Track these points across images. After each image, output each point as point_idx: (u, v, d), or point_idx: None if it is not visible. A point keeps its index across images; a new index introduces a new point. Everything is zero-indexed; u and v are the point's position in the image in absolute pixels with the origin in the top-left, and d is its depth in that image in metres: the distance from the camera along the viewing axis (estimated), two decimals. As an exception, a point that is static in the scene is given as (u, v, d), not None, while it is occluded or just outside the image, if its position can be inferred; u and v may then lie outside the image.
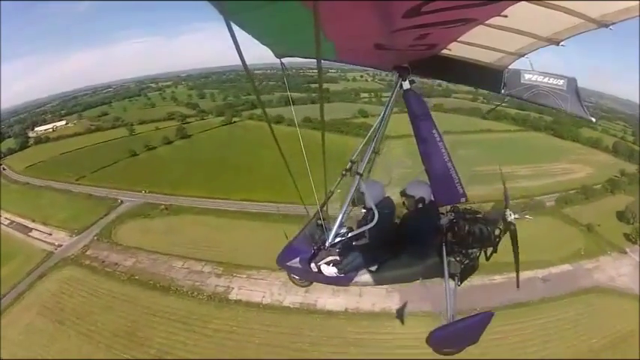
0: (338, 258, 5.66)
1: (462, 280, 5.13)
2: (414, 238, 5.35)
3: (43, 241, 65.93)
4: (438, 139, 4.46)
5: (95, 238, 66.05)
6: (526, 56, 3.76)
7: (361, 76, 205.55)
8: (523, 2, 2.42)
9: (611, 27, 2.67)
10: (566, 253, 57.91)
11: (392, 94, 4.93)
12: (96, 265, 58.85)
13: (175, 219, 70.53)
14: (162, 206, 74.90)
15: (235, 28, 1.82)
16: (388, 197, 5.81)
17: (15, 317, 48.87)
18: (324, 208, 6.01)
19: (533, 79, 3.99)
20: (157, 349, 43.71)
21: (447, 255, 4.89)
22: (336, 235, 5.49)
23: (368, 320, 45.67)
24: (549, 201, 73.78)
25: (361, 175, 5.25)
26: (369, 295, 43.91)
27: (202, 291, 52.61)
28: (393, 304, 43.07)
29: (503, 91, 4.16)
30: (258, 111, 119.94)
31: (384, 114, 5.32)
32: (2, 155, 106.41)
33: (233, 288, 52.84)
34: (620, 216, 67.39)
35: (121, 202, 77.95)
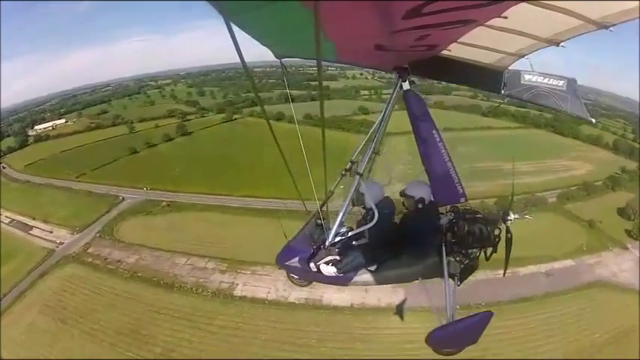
0: (337, 257, 5.65)
1: (461, 280, 5.16)
2: (414, 238, 5.34)
3: (44, 239, 65.64)
4: (437, 139, 4.46)
5: (97, 235, 65.84)
6: (526, 57, 3.75)
7: (361, 74, 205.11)
8: (523, 3, 2.41)
9: (611, 29, 2.66)
10: (569, 248, 58.21)
11: (392, 95, 4.95)
12: (98, 262, 58.61)
13: (178, 216, 70.46)
14: (164, 203, 74.80)
15: (235, 28, 1.83)
16: (388, 197, 5.81)
17: (16, 317, 48.60)
18: (324, 208, 6.03)
19: (533, 79, 4.02)
20: (161, 346, 43.50)
21: (446, 255, 4.91)
22: (335, 235, 5.51)
23: (374, 315, 45.70)
24: (551, 197, 74.15)
25: (361, 174, 5.27)
26: (375, 290, 43.88)
27: (206, 287, 52.45)
28: (399, 300, 43.12)
29: (503, 91, 4.19)
30: (259, 108, 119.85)
31: (384, 114, 5.32)
32: (2, 154, 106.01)
33: (238, 284, 52.69)
34: (621, 212, 67.86)
35: (123, 199, 77.76)
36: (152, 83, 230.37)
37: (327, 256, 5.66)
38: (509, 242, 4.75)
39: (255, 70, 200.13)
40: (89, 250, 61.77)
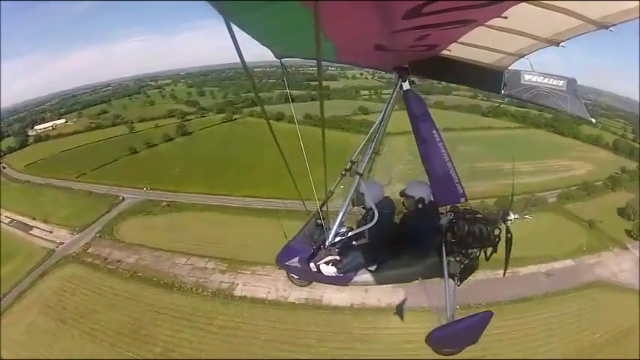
0: (337, 258, 5.66)
1: (461, 280, 5.16)
2: (414, 238, 5.35)
3: (44, 239, 65.55)
4: (437, 139, 4.45)
5: (97, 235, 65.79)
6: (526, 57, 3.76)
7: (361, 74, 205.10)
8: (523, 3, 2.41)
9: (611, 29, 2.67)
10: (569, 248, 58.21)
11: (392, 95, 4.95)
12: (98, 262, 58.53)
13: (178, 216, 70.42)
14: (164, 203, 74.79)
15: (235, 28, 1.83)
16: (388, 197, 5.81)
17: (16, 317, 48.49)
18: (324, 208, 6.04)
19: (533, 79, 4.02)
20: (162, 347, 43.43)
21: (446, 255, 4.91)
22: (335, 235, 5.51)
23: (374, 315, 45.65)
24: (551, 197, 74.17)
25: (361, 174, 5.27)
26: (375, 290, 43.83)
27: (206, 287, 52.37)
28: (399, 300, 43.11)
29: (503, 91, 4.19)
30: (259, 108, 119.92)
31: (383, 114, 5.32)
32: (2, 154, 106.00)
33: (238, 284, 52.61)
34: (621, 212, 67.85)
35: (123, 199, 77.74)
36: (152, 83, 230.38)
37: (327, 256, 5.66)
38: (509, 242, 4.75)
39: (255, 70, 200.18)
40: (89, 250, 61.69)
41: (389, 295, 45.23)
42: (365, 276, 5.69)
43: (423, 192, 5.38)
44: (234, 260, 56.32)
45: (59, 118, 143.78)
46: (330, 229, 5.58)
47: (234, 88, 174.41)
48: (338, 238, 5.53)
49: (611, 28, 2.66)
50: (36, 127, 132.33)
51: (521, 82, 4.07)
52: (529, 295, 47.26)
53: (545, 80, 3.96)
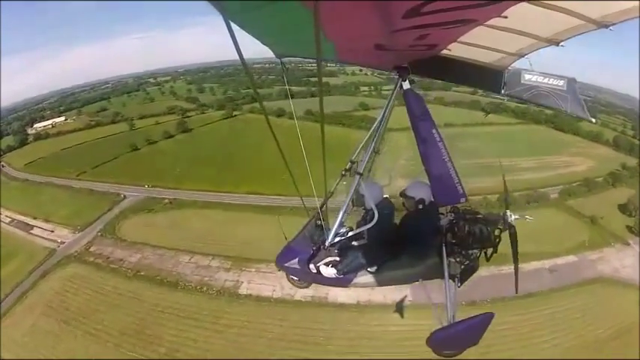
0: (337, 259, 5.66)
1: (462, 281, 5.16)
2: (414, 238, 5.37)
3: (45, 238, 65.29)
4: (437, 139, 4.43)
5: (99, 234, 65.61)
6: (526, 56, 3.77)
7: (360, 70, 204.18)
8: (523, 3, 2.41)
9: (611, 28, 2.68)
10: (571, 244, 58.67)
11: (392, 94, 4.96)
12: (100, 261, 58.36)
13: (180, 213, 70.26)
14: (167, 200, 74.66)
15: (235, 27, 1.85)
16: (387, 198, 5.81)
17: (18, 318, 48.31)
18: (324, 209, 6.05)
19: (533, 79, 4.03)
20: (167, 347, 43.35)
21: (447, 256, 4.91)
22: (335, 235, 5.50)
23: (380, 312, 45.65)
24: (553, 193, 74.51)
25: (361, 174, 5.28)
26: (381, 287, 43.86)
27: (211, 286, 52.28)
28: (407, 296, 43.19)
29: (503, 91, 4.20)
30: (259, 104, 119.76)
31: (383, 114, 5.33)
32: (2, 152, 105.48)
33: (242, 282, 52.56)
34: (623, 208, 68.26)
35: (124, 196, 77.48)
36: (151, 80, 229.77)
37: (327, 257, 5.67)
38: (514, 240, 4.74)
39: (255, 66, 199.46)
40: (91, 249, 61.51)
41: (395, 292, 45.11)
42: (365, 277, 5.70)
43: (423, 193, 5.36)
44: (238, 258, 56.18)
45: (59, 116, 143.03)
46: (329, 230, 5.56)
47: (234, 85, 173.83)
48: (338, 239, 5.52)
49: (611, 28, 2.67)
50: (35, 126, 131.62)
51: (522, 82, 4.09)
52: (534, 290, 47.45)
53: (546, 80, 3.98)
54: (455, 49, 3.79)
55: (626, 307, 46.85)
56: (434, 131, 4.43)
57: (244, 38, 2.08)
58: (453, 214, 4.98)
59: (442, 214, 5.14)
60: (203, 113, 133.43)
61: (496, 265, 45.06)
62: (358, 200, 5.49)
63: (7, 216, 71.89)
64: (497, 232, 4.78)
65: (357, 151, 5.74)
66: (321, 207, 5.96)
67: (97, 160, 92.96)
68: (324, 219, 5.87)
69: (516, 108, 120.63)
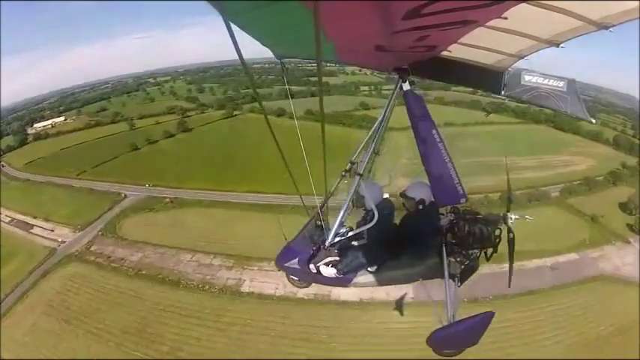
0: (337, 259, 5.66)
1: (462, 281, 5.15)
2: (414, 238, 5.36)
3: (45, 237, 65.18)
4: (437, 139, 4.45)
5: (99, 233, 65.51)
6: (526, 57, 3.76)
7: (360, 70, 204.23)
8: (523, 4, 2.41)
9: (611, 29, 2.68)
10: (572, 242, 58.81)
11: (392, 95, 4.97)
12: (101, 260, 58.23)
13: (181, 212, 70.20)
14: (167, 199, 74.62)
15: (235, 28, 1.85)
16: (387, 198, 5.82)
17: (19, 318, 48.12)
18: (324, 209, 6.04)
19: (534, 80, 4.06)
20: (169, 345, 43.20)
21: (447, 256, 4.91)
22: (335, 235, 5.48)
23: (383, 310, 45.60)
24: (554, 192, 74.62)
25: (361, 175, 5.28)
26: (383, 284, 43.85)
27: (213, 284, 52.16)
28: (408, 294, 43.19)
29: (503, 92, 4.23)
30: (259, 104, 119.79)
31: (383, 115, 5.32)
32: (2, 152, 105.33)
33: (244, 280, 52.47)
34: (623, 207, 68.41)
35: (125, 196, 77.41)
36: (151, 80, 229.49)
37: (327, 257, 5.67)
38: (511, 245, 4.77)
39: (255, 66, 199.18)
40: (92, 249, 61.38)
41: (397, 289, 45.16)
42: (365, 277, 5.69)
43: (423, 193, 5.36)
44: (240, 256, 56.10)
45: (58, 116, 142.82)
46: (329, 230, 5.54)
47: (234, 85, 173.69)
48: (338, 239, 5.50)
49: (611, 29, 2.67)
50: (35, 126, 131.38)
51: (522, 83, 4.11)
52: (535, 288, 47.63)
53: (546, 81, 4.01)
54: (455, 51, 3.79)
55: (626, 304, 46.88)
56: (434, 132, 4.45)
57: (244, 38, 2.10)
58: (453, 215, 4.99)
59: (442, 214, 5.15)
60: (203, 113, 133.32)
61: (497, 263, 45.36)
62: (358, 201, 5.49)
63: (7, 215, 71.74)
64: (497, 232, 4.79)
65: (357, 151, 5.73)
66: (321, 207, 5.96)
67: (97, 160, 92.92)
68: (324, 219, 5.86)
69: (516, 107, 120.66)
